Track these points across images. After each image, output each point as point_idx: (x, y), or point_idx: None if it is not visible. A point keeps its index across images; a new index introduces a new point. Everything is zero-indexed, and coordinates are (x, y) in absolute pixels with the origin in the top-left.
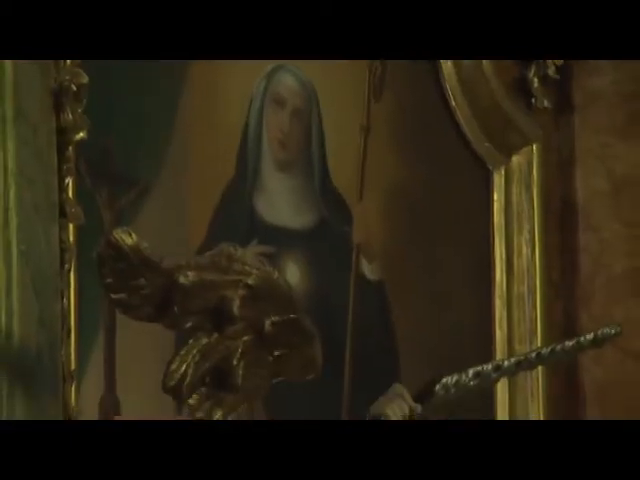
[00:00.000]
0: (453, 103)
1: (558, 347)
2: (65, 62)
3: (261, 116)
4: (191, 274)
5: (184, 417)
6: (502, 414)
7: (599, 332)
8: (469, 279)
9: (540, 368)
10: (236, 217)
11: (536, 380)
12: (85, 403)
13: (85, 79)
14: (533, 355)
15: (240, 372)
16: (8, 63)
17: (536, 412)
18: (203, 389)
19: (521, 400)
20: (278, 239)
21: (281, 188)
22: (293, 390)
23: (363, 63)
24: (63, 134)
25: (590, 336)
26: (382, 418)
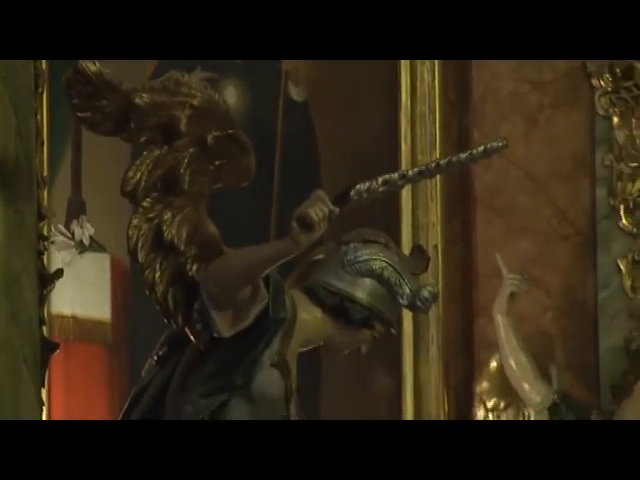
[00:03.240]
0: None
1: (454, 158)
2: None
3: None
4: (145, 96)
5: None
6: (406, 212)
7: (488, 145)
8: (379, 101)
9: (438, 176)
10: None
11: (435, 185)
12: (55, 204)
13: None
14: (433, 165)
15: (186, 179)
16: None
17: (434, 213)
18: (155, 194)
19: (422, 201)
20: (219, 67)
21: None
22: (229, 195)
23: None
24: None
25: (481, 149)
26: (306, 218)
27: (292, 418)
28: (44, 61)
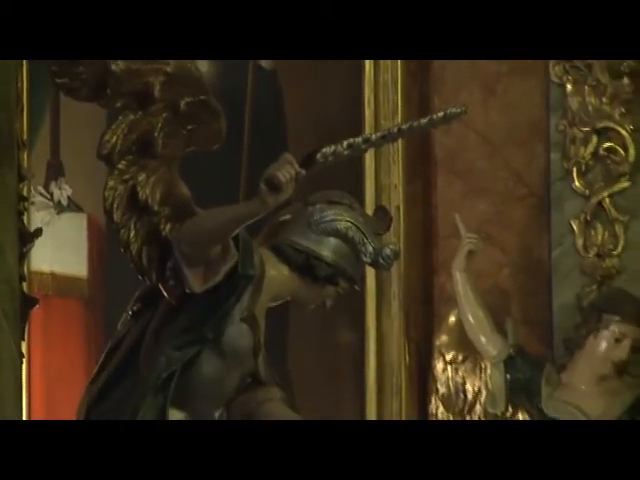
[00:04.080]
0: None
1: (415, 123)
2: None
3: None
4: (121, 63)
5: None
6: (369, 175)
7: (448, 111)
8: (343, 71)
9: (400, 140)
10: None
11: (397, 149)
12: (35, 167)
13: None
14: (395, 130)
15: (160, 142)
16: None
17: (396, 175)
18: (130, 156)
19: (385, 164)
20: None
21: None
22: (201, 158)
23: None
24: None
25: (441, 114)
26: (274, 180)
27: (260, 370)
28: None
